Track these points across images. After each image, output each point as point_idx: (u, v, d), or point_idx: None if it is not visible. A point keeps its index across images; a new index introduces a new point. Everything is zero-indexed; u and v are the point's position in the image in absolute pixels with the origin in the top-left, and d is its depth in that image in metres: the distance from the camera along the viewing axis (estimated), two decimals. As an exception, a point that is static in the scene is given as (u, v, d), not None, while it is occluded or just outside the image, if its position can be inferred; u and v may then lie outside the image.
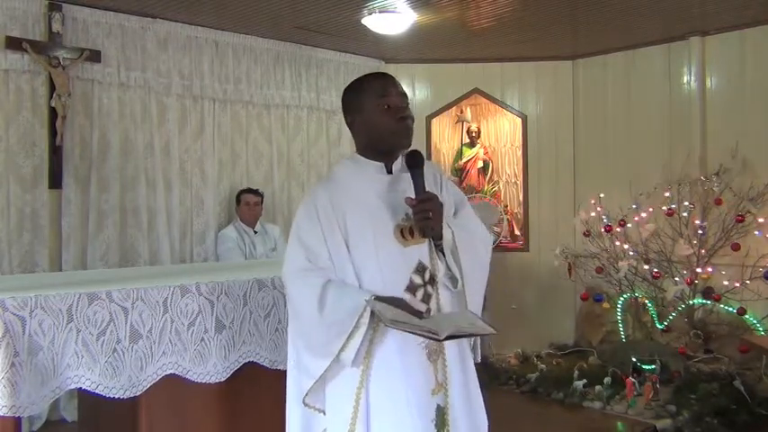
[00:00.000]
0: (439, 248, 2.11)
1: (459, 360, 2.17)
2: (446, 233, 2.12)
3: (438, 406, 2.09)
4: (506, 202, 6.80)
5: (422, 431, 2.05)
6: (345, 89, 2.23)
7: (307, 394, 2.10)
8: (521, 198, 6.68)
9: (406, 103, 2.15)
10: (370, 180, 2.13)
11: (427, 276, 2.10)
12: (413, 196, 2.07)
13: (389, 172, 2.16)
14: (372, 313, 1.98)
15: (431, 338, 1.93)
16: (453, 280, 2.16)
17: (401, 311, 1.96)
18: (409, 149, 2.14)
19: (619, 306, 5.57)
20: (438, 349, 2.10)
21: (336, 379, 2.08)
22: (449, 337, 1.89)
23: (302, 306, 2.07)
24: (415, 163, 2.08)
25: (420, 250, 2.10)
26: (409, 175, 2.11)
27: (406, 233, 2.09)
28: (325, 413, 2.12)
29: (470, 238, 2.19)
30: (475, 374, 2.24)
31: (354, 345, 1.99)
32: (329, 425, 2.11)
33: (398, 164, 2.17)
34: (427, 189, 2.09)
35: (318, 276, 2.05)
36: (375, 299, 1.99)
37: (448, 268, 2.14)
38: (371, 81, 2.17)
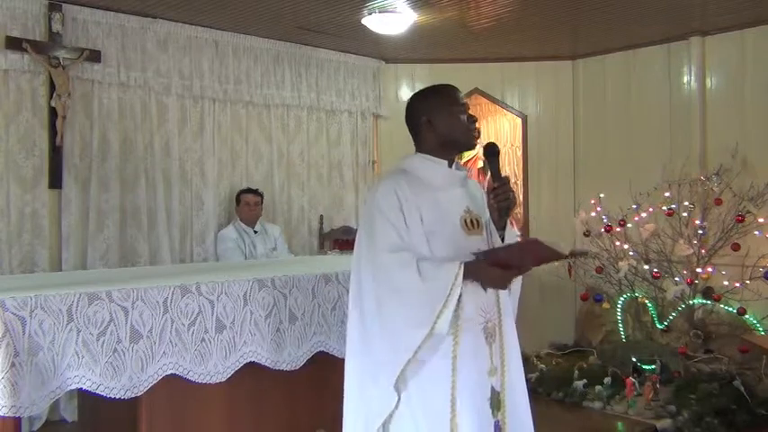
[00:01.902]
0: (501, 237, 2.32)
1: (515, 343, 2.38)
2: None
3: (493, 388, 2.26)
4: (506, 202, 6.78)
5: (480, 409, 2.22)
6: (419, 94, 2.47)
7: (398, 377, 2.17)
8: (521, 198, 6.67)
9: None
10: (436, 174, 2.36)
11: None
12: (471, 192, 2.37)
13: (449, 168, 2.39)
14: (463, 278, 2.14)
15: (558, 252, 2.15)
16: None
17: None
18: (488, 142, 2.40)
19: (619, 306, 5.57)
20: (494, 333, 2.29)
21: (434, 352, 2.19)
22: (572, 254, 2.14)
23: (403, 278, 2.16)
24: (493, 151, 2.35)
25: (479, 241, 2.32)
26: (463, 173, 2.42)
27: (469, 224, 2.31)
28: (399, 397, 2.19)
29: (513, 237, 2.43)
30: (521, 361, 2.42)
31: (450, 310, 2.12)
32: (424, 394, 2.19)
33: (455, 165, 2.41)
34: (473, 200, 2.37)
35: (410, 252, 2.19)
36: (466, 263, 2.16)
37: None
38: (448, 89, 2.42)
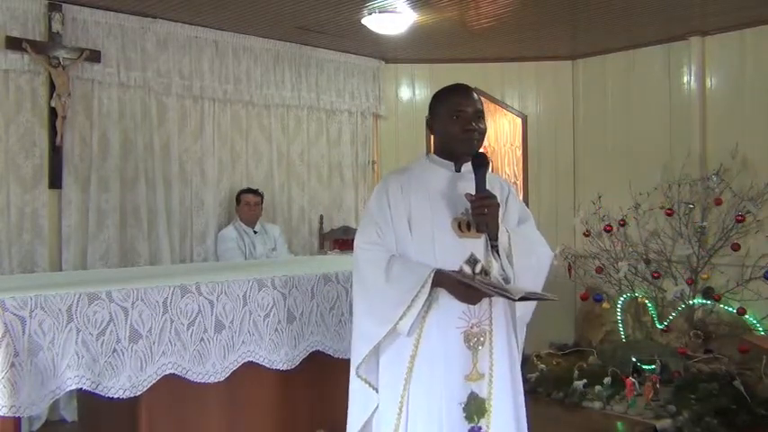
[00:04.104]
0: (495, 249, 2.32)
1: (508, 351, 2.34)
2: (503, 237, 2.33)
3: (472, 392, 2.26)
4: (506, 202, 6.78)
5: (446, 411, 2.23)
6: (432, 98, 2.48)
7: (360, 365, 2.31)
8: (521, 198, 6.66)
9: (477, 117, 2.37)
10: (438, 176, 2.39)
11: (478, 269, 2.30)
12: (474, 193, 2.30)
13: (458, 171, 2.40)
14: (432, 286, 2.19)
15: (506, 297, 2.18)
16: (506, 280, 2.34)
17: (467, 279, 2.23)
18: (476, 152, 2.35)
19: (619, 306, 5.57)
20: (481, 339, 2.28)
21: (392, 347, 2.29)
22: (522, 299, 2.15)
23: (369, 274, 2.29)
24: (480, 163, 2.32)
25: (475, 244, 2.31)
26: (464, 176, 2.38)
27: (462, 226, 2.31)
28: (377, 390, 2.32)
29: (528, 245, 2.40)
30: (519, 368, 2.41)
31: (413, 313, 2.20)
32: (381, 387, 2.31)
33: (467, 166, 2.38)
34: (489, 191, 2.31)
35: (385, 251, 2.29)
36: (437, 272, 2.21)
37: (502, 268, 2.34)
38: (450, 93, 2.42)
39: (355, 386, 2.37)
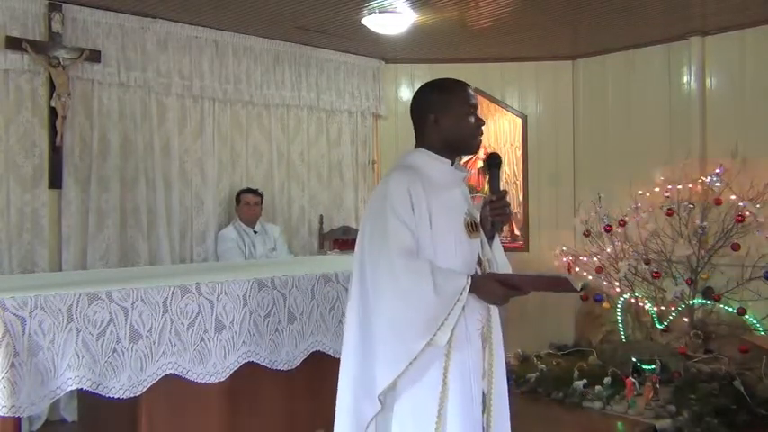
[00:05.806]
0: (491, 246, 2.31)
1: (501, 347, 2.35)
2: (496, 236, 2.36)
3: (483, 391, 2.25)
4: (506, 202, 6.77)
5: (472, 414, 2.21)
6: (429, 87, 2.32)
7: (386, 388, 2.10)
8: (521, 198, 6.68)
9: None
10: (441, 173, 2.27)
11: (482, 269, 2.28)
12: (474, 194, 2.24)
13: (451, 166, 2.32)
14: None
15: (569, 288, 2.15)
16: None
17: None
18: (491, 152, 2.35)
19: (619, 306, 5.57)
20: (488, 336, 2.27)
21: (423, 363, 2.11)
22: (583, 288, 2.11)
23: (413, 285, 2.07)
24: (496, 163, 2.32)
25: (478, 244, 2.29)
26: (464, 175, 2.35)
27: (471, 226, 2.26)
28: (382, 404, 2.14)
29: (497, 244, 2.41)
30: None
31: (452, 323, 2.07)
32: (406, 409, 2.14)
33: (455, 165, 2.33)
34: (469, 203, 2.31)
35: (423, 258, 2.12)
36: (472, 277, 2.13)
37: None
38: (462, 88, 2.30)
39: (348, 400, 2.23)
